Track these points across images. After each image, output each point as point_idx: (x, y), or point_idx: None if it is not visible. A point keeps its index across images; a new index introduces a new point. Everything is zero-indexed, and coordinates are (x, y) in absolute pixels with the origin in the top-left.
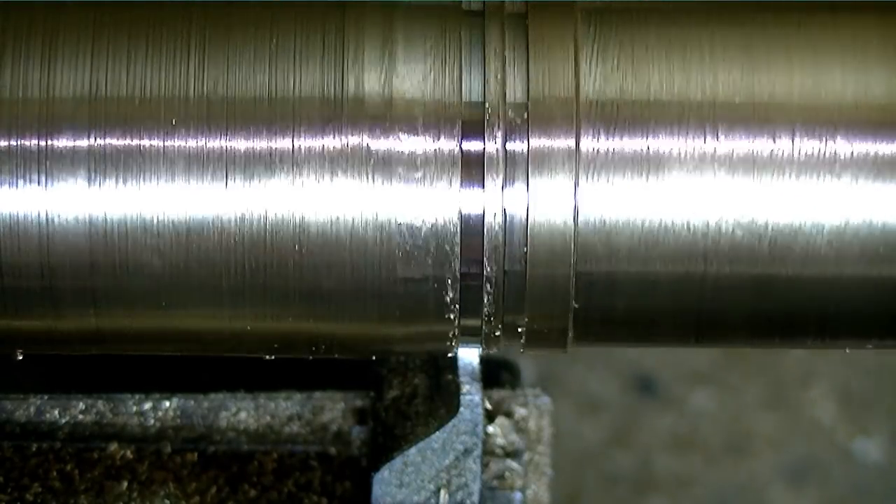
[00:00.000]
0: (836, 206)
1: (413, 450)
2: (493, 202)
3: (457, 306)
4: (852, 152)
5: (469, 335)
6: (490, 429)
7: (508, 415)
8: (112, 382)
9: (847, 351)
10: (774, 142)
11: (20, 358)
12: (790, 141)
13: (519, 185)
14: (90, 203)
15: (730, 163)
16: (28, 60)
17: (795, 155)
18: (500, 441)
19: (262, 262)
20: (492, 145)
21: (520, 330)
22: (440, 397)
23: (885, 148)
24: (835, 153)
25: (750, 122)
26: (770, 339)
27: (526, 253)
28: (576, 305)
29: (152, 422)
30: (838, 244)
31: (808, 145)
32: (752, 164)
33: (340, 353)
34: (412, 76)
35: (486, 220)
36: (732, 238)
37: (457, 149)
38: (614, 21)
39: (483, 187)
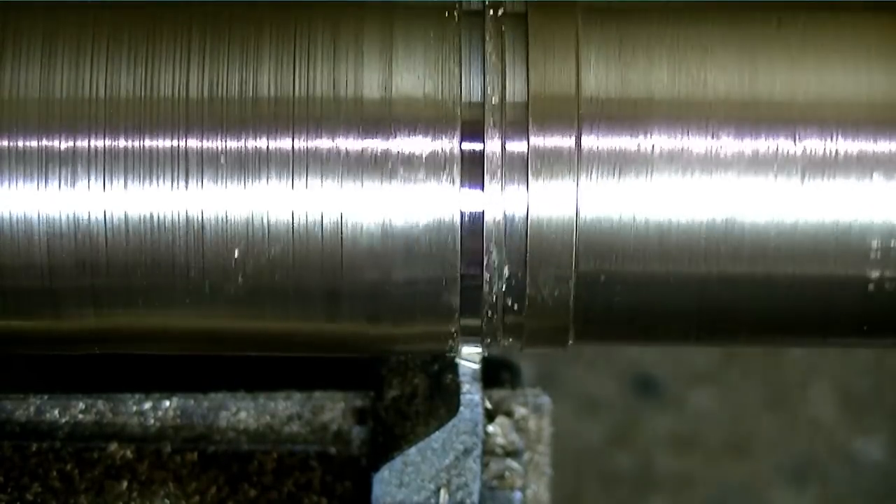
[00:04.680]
0: (838, 205)
1: (413, 449)
2: (493, 202)
3: (457, 306)
4: (855, 151)
5: (469, 335)
6: (490, 428)
7: (508, 414)
8: (112, 382)
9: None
10: (775, 141)
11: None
12: (792, 140)
13: (519, 185)
14: (90, 203)
15: (731, 162)
16: (27, 61)
17: (797, 154)
18: (500, 440)
19: (261, 262)
20: (491, 145)
21: (520, 329)
22: (440, 397)
23: (888, 146)
24: (837, 152)
25: (750, 121)
26: (771, 338)
27: (526, 253)
28: (576, 304)
29: (152, 421)
30: (841, 243)
31: (810, 144)
32: (753, 162)
33: (341, 353)
34: (412, 76)
35: (486, 219)
36: (733, 237)
37: (457, 149)
38: (615, 20)
39: (483, 187)
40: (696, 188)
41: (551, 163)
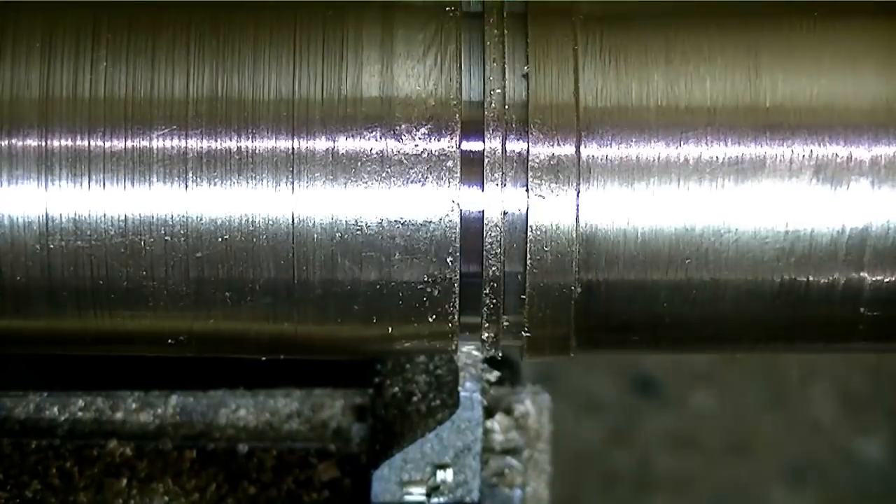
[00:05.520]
0: (839, 210)
1: (412, 447)
2: (492, 203)
3: (456, 306)
4: (854, 156)
5: (469, 336)
6: (489, 426)
7: (508, 412)
8: (111, 379)
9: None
10: (776, 146)
11: None
12: (792, 145)
13: (519, 187)
14: (89, 203)
15: (731, 168)
16: (27, 61)
17: (797, 159)
18: (499, 438)
19: (260, 263)
20: (491, 145)
21: (521, 330)
22: (439, 394)
23: (885, 151)
24: (836, 157)
25: (750, 127)
26: (773, 344)
27: (526, 254)
28: (577, 310)
29: (152, 419)
30: (841, 248)
31: (811, 149)
32: (753, 168)
33: (340, 354)
34: (412, 76)
35: (486, 220)
36: (734, 244)
37: (456, 149)
38: (614, 23)
39: (482, 188)
40: (697, 194)
41: (551, 168)
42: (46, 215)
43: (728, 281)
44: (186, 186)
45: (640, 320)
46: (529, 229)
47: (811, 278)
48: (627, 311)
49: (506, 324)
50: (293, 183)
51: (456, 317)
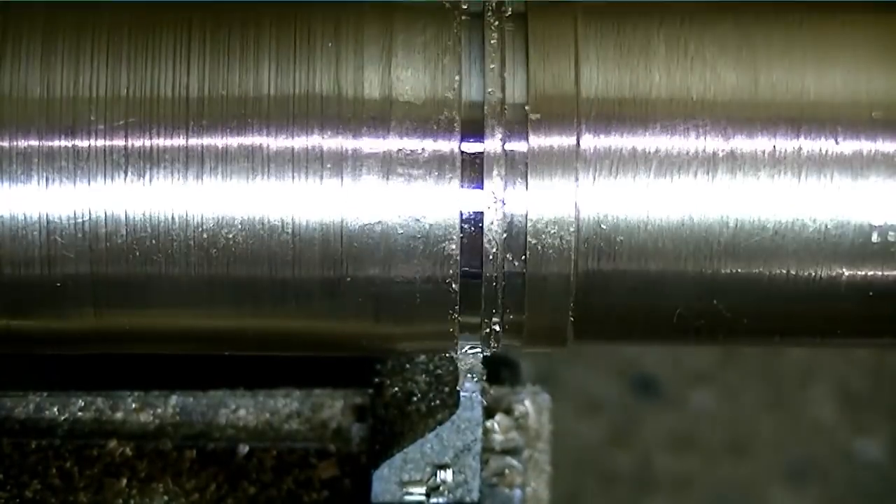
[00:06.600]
0: (836, 204)
1: (412, 447)
2: (492, 201)
3: (457, 305)
4: (854, 151)
5: (469, 333)
6: (489, 426)
7: (508, 412)
8: (111, 379)
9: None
10: (774, 140)
11: None
12: (790, 139)
13: (519, 185)
14: (90, 203)
15: (729, 161)
16: (27, 61)
17: (795, 153)
18: (499, 438)
19: (261, 261)
20: (491, 145)
21: (521, 328)
22: (439, 394)
23: (886, 146)
24: (835, 151)
25: (749, 121)
26: (771, 337)
27: (526, 252)
28: (575, 303)
29: (151, 419)
30: (840, 242)
31: (809, 143)
32: (751, 162)
33: (342, 352)
34: (412, 76)
35: (486, 219)
36: (732, 237)
37: (456, 148)
38: (614, 20)
39: (482, 187)
40: (695, 188)
41: (550, 163)
42: (47, 215)
43: (727, 273)
44: (186, 185)
45: (638, 312)
46: (529, 228)
47: (811, 272)
48: (626, 304)
49: (506, 321)
50: (293, 182)
51: (456, 315)
